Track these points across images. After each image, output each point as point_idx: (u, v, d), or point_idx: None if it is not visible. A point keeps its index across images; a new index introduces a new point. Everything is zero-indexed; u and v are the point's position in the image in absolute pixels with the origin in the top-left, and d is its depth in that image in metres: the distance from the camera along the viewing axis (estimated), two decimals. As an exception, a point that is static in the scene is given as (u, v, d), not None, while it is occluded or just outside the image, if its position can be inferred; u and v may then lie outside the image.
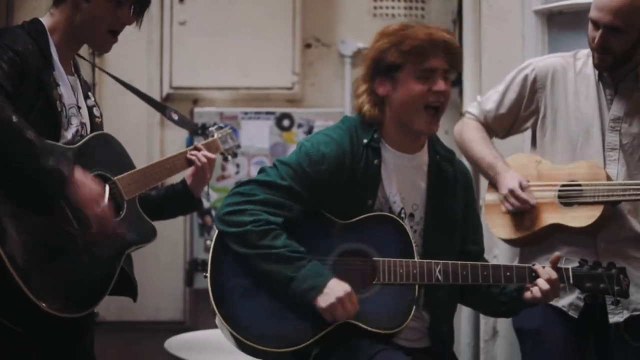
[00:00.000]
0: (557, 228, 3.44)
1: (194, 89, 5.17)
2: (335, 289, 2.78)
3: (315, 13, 5.18)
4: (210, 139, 3.50)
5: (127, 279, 3.01)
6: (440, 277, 2.88)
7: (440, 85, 2.91)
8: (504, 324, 4.36)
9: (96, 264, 2.85)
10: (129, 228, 2.98)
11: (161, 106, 3.55)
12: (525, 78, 3.62)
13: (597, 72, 3.51)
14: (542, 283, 2.90)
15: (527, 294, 2.93)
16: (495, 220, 3.59)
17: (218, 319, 2.86)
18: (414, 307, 2.88)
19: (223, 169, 4.88)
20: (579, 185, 3.42)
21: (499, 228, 3.58)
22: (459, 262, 2.91)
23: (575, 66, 3.58)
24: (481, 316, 4.47)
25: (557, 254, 3.00)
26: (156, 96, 5.11)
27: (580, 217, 3.38)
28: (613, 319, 3.44)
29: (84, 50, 3.15)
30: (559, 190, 3.45)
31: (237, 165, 4.95)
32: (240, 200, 2.88)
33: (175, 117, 3.45)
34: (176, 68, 5.14)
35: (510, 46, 4.44)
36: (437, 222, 3.01)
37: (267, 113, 5.02)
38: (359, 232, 2.91)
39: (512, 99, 3.64)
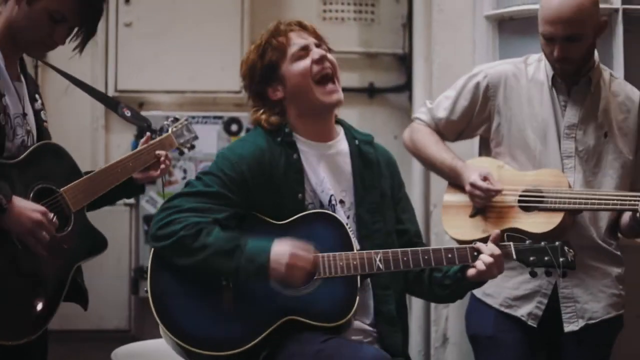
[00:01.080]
0: (516, 233, 3.39)
1: (140, 92, 5.07)
2: (280, 259, 2.77)
3: (263, 15, 5.08)
4: (164, 135, 3.40)
5: (77, 288, 2.94)
6: (381, 266, 2.86)
7: (316, 52, 2.95)
8: (455, 331, 4.34)
9: (43, 284, 2.77)
10: (77, 241, 2.89)
11: (113, 102, 3.45)
12: (477, 86, 3.58)
13: (550, 78, 3.49)
14: (485, 258, 2.87)
15: (471, 271, 2.89)
16: (452, 221, 3.55)
17: (162, 329, 2.83)
18: (357, 297, 2.85)
19: (170, 174, 4.79)
20: (540, 191, 3.39)
21: (455, 229, 3.53)
22: (399, 249, 2.90)
23: (527, 72, 3.55)
24: (432, 323, 4.45)
25: (497, 231, 2.95)
26: (101, 100, 5.04)
27: (540, 223, 3.35)
28: (568, 327, 3.43)
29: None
30: (520, 195, 3.42)
31: (185, 171, 4.86)
32: (168, 213, 2.85)
33: (128, 113, 3.38)
34: (121, 71, 5.04)
35: (461, 51, 4.44)
36: (367, 204, 3.01)
37: (215, 117, 4.94)
38: (296, 230, 2.89)
39: (464, 107, 3.60)
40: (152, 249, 2.90)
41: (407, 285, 3.08)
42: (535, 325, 3.44)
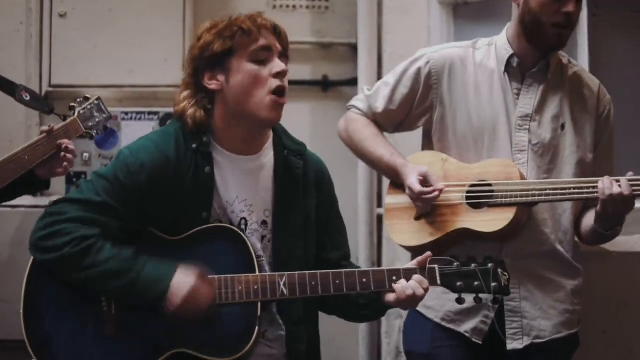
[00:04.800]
0: (466, 234, 3.09)
1: (76, 87, 4.72)
2: (180, 289, 2.50)
3: (208, 4, 4.81)
4: (68, 121, 3.12)
5: None
6: (286, 291, 2.57)
7: (280, 64, 2.62)
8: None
9: None
10: None
11: (10, 85, 3.19)
12: (419, 72, 3.25)
13: (503, 63, 3.17)
14: (406, 285, 2.58)
15: (390, 297, 2.61)
16: (396, 225, 3.23)
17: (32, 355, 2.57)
18: (257, 328, 2.57)
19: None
20: (489, 185, 3.07)
21: (400, 235, 3.21)
22: (307, 272, 2.60)
23: (475, 58, 3.23)
24: (383, 335, 4.16)
25: (427, 253, 2.66)
26: (36, 95, 4.78)
27: (490, 222, 3.05)
28: (511, 345, 3.11)
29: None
30: (467, 192, 3.10)
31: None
32: (50, 222, 2.57)
33: (27, 97, 3.15)
34: (56, 64, 4.75)
35: (414, 39, 4.19)
36: (287, 228, 2.71)
37: (150, 113, 4.62)
38: (192, 248, 2.60)
39: (404, 95, 3.27)
40: (32, 259, 2.61)
41: (322, 305, 2.79)
42: (480, 342, 3.12)
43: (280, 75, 2.61)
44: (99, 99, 3.31)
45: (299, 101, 4.67)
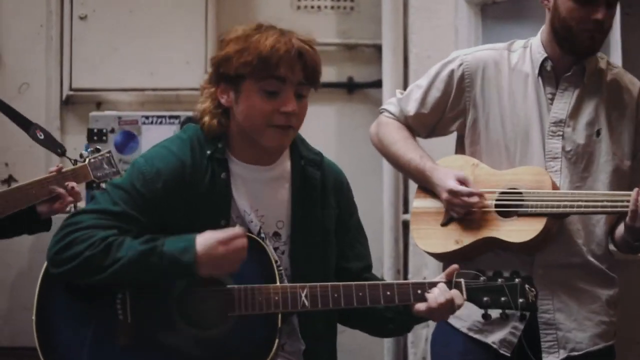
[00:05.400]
0: (493, 243, 2.97)
1: (97, 91, 4.77)
2: (212, 252, 2.42)
3: (230, 5, 4.78)
4: (79, 165, 3.12)
5: None
6: (307, 303, 2.49)
7: (289, 104, 2.49)
8: (436, 353, 3.96)
9: None
10: None
11: (26, 122, 3.21)
12: (451, 74, 3.13)
13: (537, 66, 3.06)
14: (432, 299, 2.49)
15: (420, 306, 2.52)
16: (421, 231, 3.10)
17: None
18: (277, 340, 2.49)
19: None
20: (520, 193, 2.97)
21: (425, 240, 3.09)
22: (330, 283, 2.52)
23: (510, 60, 3.12)
24: (409, 345, 4.09)
25: (454, 265, 2.56)
26: (56, 99, 4.78)
27: (519, 231, 2.91)
28: (547, 358, 3.00)
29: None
30: (497, 199, 2.99)
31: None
32: (65, 233, 2.48)
33: (41, 135, 3.20)
34: (77, 67, 4.75)
35: (441, 40, 4.10)
36: (305, 240, 2.62)
37: (171, 117, 4.55)
38: None
39: (436, 98, 3.15)
40: (43, 269, 2.53)
41: (346, 319, 2.70)
42: (508, 354, 3.01)
43: (286, 115, 2.51)
44: (109, 152, 3.36)
45: (324, 104, 4.60)
